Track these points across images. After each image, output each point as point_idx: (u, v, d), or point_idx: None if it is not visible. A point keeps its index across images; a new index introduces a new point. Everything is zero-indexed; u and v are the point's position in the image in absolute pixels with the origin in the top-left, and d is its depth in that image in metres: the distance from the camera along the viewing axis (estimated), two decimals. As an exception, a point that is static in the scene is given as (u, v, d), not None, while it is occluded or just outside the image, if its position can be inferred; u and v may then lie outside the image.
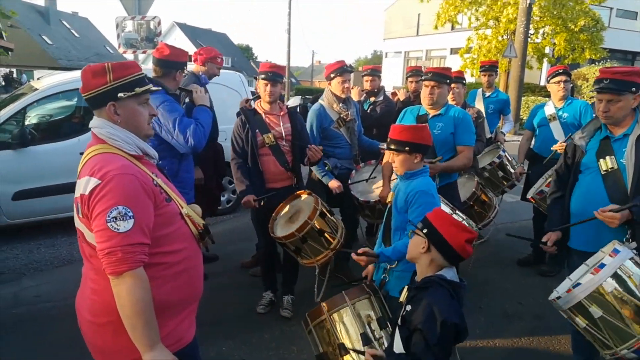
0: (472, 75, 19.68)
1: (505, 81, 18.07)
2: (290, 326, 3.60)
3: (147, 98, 1.85)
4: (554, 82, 4.58)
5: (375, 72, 5.16)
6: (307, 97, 18.25)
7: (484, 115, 5.15)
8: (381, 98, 5.11)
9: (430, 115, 3.63)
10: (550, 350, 3.42)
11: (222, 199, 6.30)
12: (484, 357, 3.37)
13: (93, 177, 1.63)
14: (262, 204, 3.58)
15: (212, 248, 4.70)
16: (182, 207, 1.88)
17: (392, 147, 2.58)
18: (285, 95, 29.98)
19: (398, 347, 1.89)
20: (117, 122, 1.76)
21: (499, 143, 5.23)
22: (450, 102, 4.04)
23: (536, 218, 4.75)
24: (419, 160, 2.58)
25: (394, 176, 3.27)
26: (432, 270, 1.96)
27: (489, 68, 5.71)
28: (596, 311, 2.09)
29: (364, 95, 5.17)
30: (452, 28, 25.10)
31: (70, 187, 1.74)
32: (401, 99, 5.45)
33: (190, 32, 46.58)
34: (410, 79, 5.60)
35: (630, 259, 2.14)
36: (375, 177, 4.05)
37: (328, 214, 3.35)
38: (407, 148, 2.53)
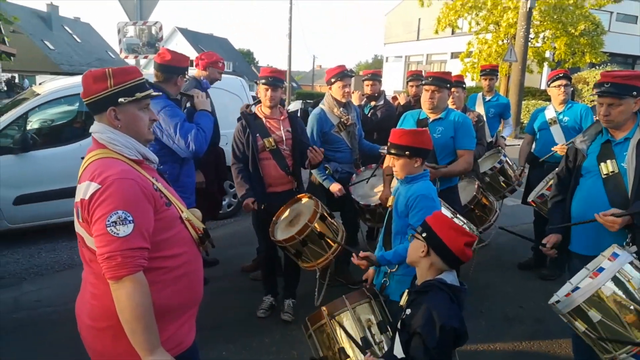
0: (472, 79, 19.72)
1: (505, 85, 18.09)
2: (291, 330, 3.60)
3: (148, 103, 1.85)
4: (555, 86, 4.59)
5: (375, 76, 5.18)
6: (308, 101, 18.28)
7: (485, 119, 5.16)
8: (382, 102, 5.12)
9: (430, 120, 3.64)
10: (550, 354, 3.41)
11: (223, 203, 6.31)
12: (484, 361, 3.36)
13: (93, 182, 1.63)
14: (262, 207, 3.59)
15: (213, 252, 4.72)
16: (182, 212, 1.88)
17: (393, 151, 2.59)
18: (287, 99, 30.03)
19: (398, 351, 1.89)
20: (118, 127, 1.77)
21: (499, 148, 5.24)
22: (451, 106, 4.05)
23: (537, 221, 4.75)
24: (419, 164, 2.58)
25: (394, 181, 3.27)
26: (432, 274, 1.96)
27: (490, 72, 5.72)
28: (595, 315, 2.08)
29: (365, 99, 5.19)
30: (453, 32, 25.20)
31: (71, 192, 1.74)
32: (402, 103, 5.47)
33: (192, 37, 46.70)
34: (410, 83, 5.61)
35: (629, 263, 2.13)
36: (375, 176, 4.06)
37: (328, 217, 3.35)
38: (407, 152, 2.54)
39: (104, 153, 1.74)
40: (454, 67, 20.67)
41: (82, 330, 1.81)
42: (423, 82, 3.67)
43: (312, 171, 4.06)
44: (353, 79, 4.35)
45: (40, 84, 7.13)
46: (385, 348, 2.25)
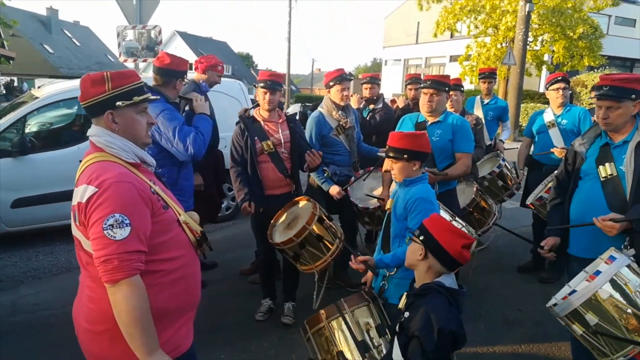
0: (471, 83, 19.75)
1: (504, 88, 18.12)
2: (289, 333, 3.59)
3: (146, 107, 1.86)
4: (553, 89, 4.60)
5: (374, 79, 5.19)
6: (307, 104, 18.30)
7: (483, 122, 5.17)
8: (380, 105, 5.13)
9: (428, 123, 3.65)
10: (550, 357, 3.40)
11: (222, 206, 6.30)
12: (484, 364, 3.36)
13: (90, 185, 1.63)
14: (261, 210, 3.59)
15: (212, 255, 4.69)
16: (179, 215, 1.88)
17: (391, 154, 2.58)
18: (285, 102, 30.07)
19: (397, 354, 1.89)
20: (115, 131, 1.77)
21: (498, 152, 5.24)
22: (449, 109, 4.06)
23: (536, 224, 4.75)
24: (418, 167, 2.58)
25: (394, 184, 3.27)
26: (430, 277, 1.96)
27: (489, 75, 5.74)
28: (592, 319, 2.08)
29: (363, 102, 5.19)
30: (452, 36, 25.20)
31: (69, 195, 1.74)
32: (400, 107, 5.47)
33: (191, 40, 46.79)
34: (409, 87, 5.62)
35: (627, 266, 2.13)
36: (365, 178, 4.08)
37: (327, 220, 3.35)
38: (405, 155, 2.54)
39: (101, 156, 1.74)
40: (453, 71, 20.76)
41: (80, 333, 1.81)
42: (421, 85, 3.68)
43: (311, 174, 4.06)
44: (352, 82, 4.35)
45: (39, 87, 7.13)
46: (384, 351, 2.25)
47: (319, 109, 4.23)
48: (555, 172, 3.07)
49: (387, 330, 2.35)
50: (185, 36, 47.08)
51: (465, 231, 2.88)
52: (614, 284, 2.09)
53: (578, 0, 18.08)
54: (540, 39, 18.77)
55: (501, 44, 18.58)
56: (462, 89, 4.82)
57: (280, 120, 3.71)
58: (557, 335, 3.49)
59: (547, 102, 4.89)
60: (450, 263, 1.93)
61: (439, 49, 30.61)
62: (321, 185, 4.02)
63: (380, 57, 43.19)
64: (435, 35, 20.28)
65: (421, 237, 1.97)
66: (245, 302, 4.07)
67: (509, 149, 6.20)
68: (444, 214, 3.16)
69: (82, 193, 1.65)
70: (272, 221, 3.51)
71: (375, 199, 3.95)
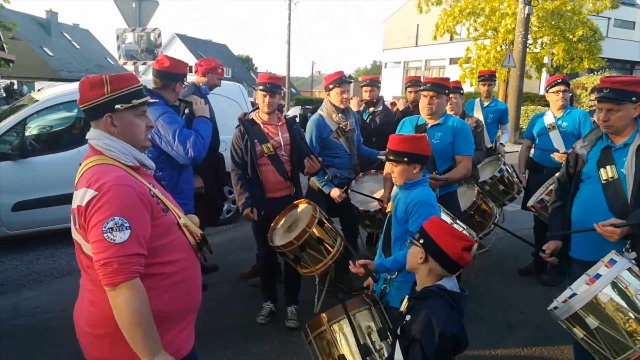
0: (471, 85, 19.78)
1: (504, 91, 18.15)
2: (291, 336, 3.58)
3: (145, 110, 1.86)
4: (553, 92, 4.60)
5: (374, 82, 5.19)
6: (307, 107, 18.32)
7: (483, 124, 5.17)
8: (380, 108, 5.13)
9: (429, 125, 3.64)
10: (552, 360, 3.40)
11: (223, 208, 6.30)
12: (485, 367, 3.35)
13: (90, 189, 1.63)
14: (262, 213, 3.58)
15: (212, 258, 4.69)
16: (179, 218, 1.88)
17: (391, 157, 2.58)
18: (286, 105, 30.11)
19: (398, 357, 1.88)
20: (114, 134, 1.77)
21: (499, 155, 5.23)
22: (449, 112, 4.06)
23: (537, 227, 4.74)
24: (418, 170, 2.58)
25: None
26: (431, 280, 1.95)
27: (488, 78, 5.74)
28: (592, 322, 2.07)
29: (363, 105, 5.20)
30: (451, 38, 25.29)
31: (70, 198, 1.74)
32: (400, 109, 5.48)
33: (191, 43, 46.86)
34: (409, 89, 5.62)
35: (627, 270, 2.12)
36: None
37: (327, 223, 3.35)
38: (405, 159, 2.53)
39: (100, 159, 1.74)
40: (453, 73, 20.79)
41: (81, 336, 1.81)
42: (421, 87, 3.68)
43: (311, 177, 4.06)
44: (352, 84, 4.36)
45: (38, 90, 7.14)
46: (386, 355, 2.24)
47: (319, 111, 4.23)
48: (557, 174, 3.07)
49: (388, 334, 2.34)
50: (185, 39, 47.16)
51: (466, 234, 2.87)
52: (614, 287, 2.08)
53: (577, 3, 18.14)
54: (539, 41, 18.82)
55: (501, 46, 18.62)
56: (461, 91, 4.82)
57: (280, 123, 3.71)
58: (560, 338, 3.48)
59: (547, 105, 4.90)
60: (451, 266, 1.92)
61: (438, 51, 30.66)
62: (322, 188, 4.02)
63: (380, 60, 43.30)
64: (435, 38, 20.33)
65: (421, 241, 1.96)
66: (246, 305, 4.06)
67: (509, 152, 6.19)
68: (445, 217, 3.15)
69: (81, 196, 1.64)
70: (272, 224, 3.50)
71: (376, 202, 3.94)
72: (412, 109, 5.35)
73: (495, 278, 4.73)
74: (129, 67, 7.83)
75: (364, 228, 4.43)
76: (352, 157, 4.26)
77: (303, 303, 3.88)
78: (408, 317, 1.90)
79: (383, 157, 2.81)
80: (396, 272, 2.55)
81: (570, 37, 17.80)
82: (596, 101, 2.60)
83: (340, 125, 4.13)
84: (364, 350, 2.24)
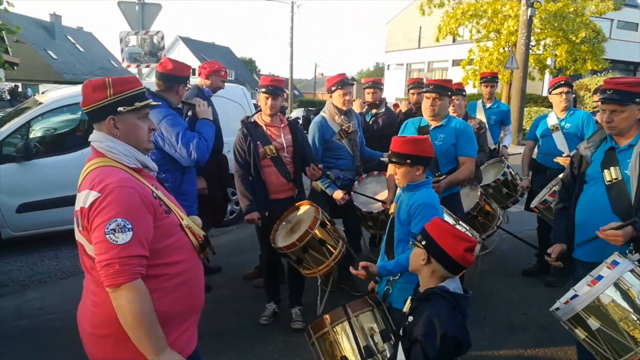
0: (474, 87, 19.75)
1: (507, 92, 18.12)
2: (294, 337, 3.58)
3: (147, 112, 1.87)
4: (556, 94, 4.59)
5: (376, 84, 5.20)
6: (310, 109, 18.35)
7: (486, 126, 5.16)
8: (383, 110, 5.13)
9: (431, 127, 3.65)
10: (555, 362, 3.39)
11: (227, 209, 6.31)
12: (488, 369, 3.34)
13: (93, 191, 1.64)
14: (267, 214, 3.59)
15: (216, 259, 4.70)
16: (182, 219, 1.89)
17: (394, 159, 2.58)
18: (289, 107, 30.16)
19: (400, 358, 1.88)
20: (117, 136, 1.78)
21: (502, 158, 5.22)
22: (452, 114, 4.06)
23: (540, 228, 4.74)
24: (421, 172, 2.57)
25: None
26: (434, 282, 1.95)
27: (491, 79, 5.74)
28: (594, 323, 2.07)
29: (366, 107, 5.20)
30: (454, 40, 25.28)
31: (74, 200, 1.76)
32: (403, 111, 5.48)
33: (194, 46, 46.96)
34: (411, 91, 5.63)
35: (630, 271, 2.11)
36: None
37: (329, 224, 3.35)
38: (408, 161, 2.53)
39: (103, 161, 1.75)
40: (456, 75, 20.75)
41: (84, 337, 1.82)
42: (424, 89, 3.69)
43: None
44: (355, 86, 4.37)
45: (42, 92, 7.17)
46: (388, 356, 2.24)
47: (322, 113, 4.24)
48: (561, 175, 3.06)
49: (391, 335, 2.34)
50: (188, 41, 47.26)
51: (469, 234, 2.87)
52: (616, 288, 2.07)
53: (580, 5, 18.10)
54: (542, 43, 18.78)
55: (503, 48, 18.58)
56: (464, 93, 4.82)
57: (282, 125, 3.73)
58: (563, 339, 3.47)
59: (550, 106, 4.88)
60: (454, 267, 1.92)
61: (441, 53, 30.66)
62: (325, 190, 4.02)
63: (383, 62, 43.30)
64: (438, 40, 20.31)
65: (423, 242, 1.96)
66: (250, 306, 4.07)
67: (513, 154, 6.19)
68: (448, 218, 3.15)
69: (84, 198, 1.66)
70: (275, 225, 3.51)
71: (379, 203, 3.95)
72: (414, 110, 5.35)
73: (498, 279, 4.73)
74: (133, 69, 7.86)
75: (366, 229, 4.43)
76: (355, 159, 4.26)
77: (307, 304, 3.88)
78: (410, 319, 1.90)
79: (386, 159, 2.81)
80: (399, 274, 2.55)
81: (573, 38, 17.76)
82: (600, 102, 2.59)
83: (343, 127, 4.14)
84: (366, 352, 2.24)
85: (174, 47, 45.05)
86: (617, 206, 2.51)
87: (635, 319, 2.02)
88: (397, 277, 2.56)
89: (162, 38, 7.75)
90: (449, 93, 3.64)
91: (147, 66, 7.87)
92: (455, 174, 3.58)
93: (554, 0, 17.52)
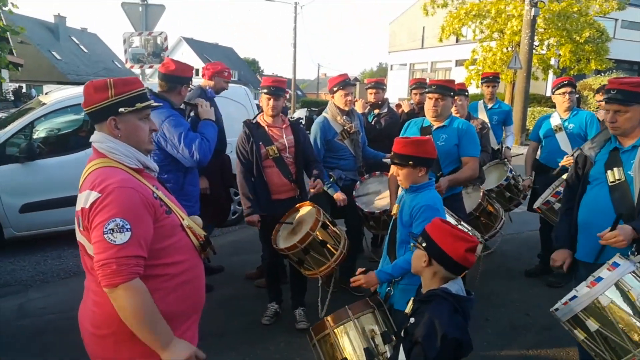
0: (477, 87, 19.71)
1: (510, 92, 18.06)
2: (296, 338, 3.58)
3: (148, 113, 1.87)
4: (559, 94, 4.58)
5: (379, 85, 5.19)
6: (313, 109, 18.35)
7: (489, 126, 5.15)
8: (385, 110, 5.13)
9: (434, 127, 3.64)
10: (558, 363, 3.38)
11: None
12: (490, 370, 3.34)
13: (93, 191, 1.65)
14: (271, 215, 3.60)
15: (218, 259, 4.71)
16: (182, 219, 1.89)
17: (396, 161, 2.57)
18: (292, 107, 30.16)
19: (402, 359, 1.88)
20: (118, 137, 1.78)
21: (505, 160, 5.20)
22: (454, 114, 4.05)
23: (543, 229, 4.72)
24: (424, 173, 2.56)
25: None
26: (436, 283, 1.95)
27: (492, 79, 5.72)
28: (592, 325, 2.06)
29: (368, 107, 5.20)
30: (457, 40, 25.24)
31: (76, 200, 1.76)
32: (405, 111, 5.48)
33: (197, 46, 47.04)
34: (414, 91, 5.62)
35: (631, 273, 2.09)
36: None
37: (330, 225, 3.35)
38: (410, 162, 2.52)
39: (104, 162, 1.76)
40: (459, 75, 20.74)
41: (85, 337, 1.82)
42: (426, 90, 3.68)
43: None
44: (357, 86, 4.37)
45: (46, 93, 7.21)
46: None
47: (324, 114, 4.25)
48: (565, 175, 3.04)
49: (392, 337, 2.33)
50: (192, 42, 47.35)
51: (470, 234, 2.86)
52: (615, 290, 2.06)
53: (584, 5, 18.04)
54: (546, 43, 18.71)
55: (507, 48, 18.54)
56: (466, 93, 4.81)
57: (284, 126, 3.73)
58: (566, 340, 3.45)
59: (554, 106, 4.85)
60: (455, 268, 1.91)
61: (444, 53, 30.60)
62: (327, 190, 4.02)
63: (386, 62, 43.25)
64: (441, 40, 20.29)
65: (424, 244, 1.95)
66: (251, 306, 4.07)
67: (516, 155, 6.17)
68: (450, 219, 3.14)
69: (85, 198, 1.66)
70: (276, 226, 3.51)
71: (381, 203, 3.94)
72: (417, 110, 5.35)
73: (500, 280, 4.72)
74: (136, 70, 7.88)
75: (368, 229, 4.43)
76: (357, 159, 4.26)
77: (309, 304, 3.88)
78: (412, 320, 1.90)
79: (388, 161, 2.80)
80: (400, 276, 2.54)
81: (577, 38, 17.68)
82: (604, 102, 2.58)
83: (345, 128, 4.14)
84: (367, 354, 2.24)
85: (178, 48, 45.14)
86: (619, 207, 2.49)
87: (635, 321, 2.01)
88: (398, 279, 2.56)
89: (166, 39, 7.78)
90: (452, 93, 3.63)
91: (151, 67, 7.89)
92: (458, 173, 3.57)
93: (557, 0, 17.47)
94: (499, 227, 4.41)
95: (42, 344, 3.53)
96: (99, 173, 1.71)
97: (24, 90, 28.02)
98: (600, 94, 4.30)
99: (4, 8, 11.16)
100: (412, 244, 2.18)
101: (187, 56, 39.83)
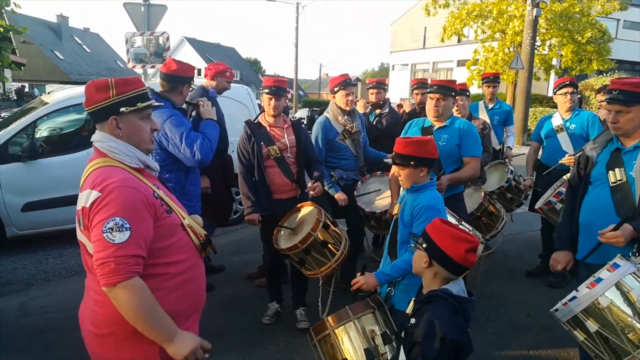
0: (479, 87, 19.68)
1: (512, 92, 18.05)
2: (296, 337, 3.58)
3: (149, 113, 1.88)
4: (561, 94, 4.57)
5: (380, 85, 5.20)
6: (315, 109, 18.36)
7: (490, 126, 5.14)
8: (386, 110, 5.13)
9: (435, 127, 3.64)
10: (558, 363, 3.37)
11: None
12: (491, 370, 3.33)
13: (94, 190, 1.65)
14: (272, 215, 3.60)
15: (219, 259, 4.72)
16: (183, 218, 1.89)
17: (397, 161, 2.57)
18: (293, 107, 30.18)
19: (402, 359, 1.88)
20: (119, 136, 1.79)
21: (506, 160, 5.19)
22: (456, 114, 4.05)
23: (544, 229, 4.71)
24: (425, 173, 2.56)
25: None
26: (437, 284, 1.94)
27: (493, 80, 5.73)
28: (592, 326, 2.06)
29: (370, 107, 5.21)
30: (459, 41, 25.21)
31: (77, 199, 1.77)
32: (407, 111, 5.47)
33: (200, 46, 47.08)
34: (415, 91, 5.62)
35: (631, 274, 2.09)
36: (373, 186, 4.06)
37: (332, 225, 3.35)
38: (411, 162, 2.52)
39: (105, 162, 1.76)
40: (461, 75, 20.71)
41: (86, 336, 1.83)
42: (428, 90, 3.68)
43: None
44: (359, 86, 4.37)
45: (49, 93, 7.22)
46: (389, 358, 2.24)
47: (325, 114, 4.25)
48: (567, 175, 3.03)
49: (392, 338, 2.33)
50: (194, 42, 47.40)
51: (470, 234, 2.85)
52: (615, 292, 2.06)
53: (586, 5, 18.01)
54: (548, 43, 18.69)
55: (509, 48, 18.52)
56: (468, 93, 4.81)
57: (285, 125, 3.73)
58: (566, 341, 3.44)
59: (555, 107, 4.85)
60: (456, 268, 1.91)
61: (446, 53, 30.59)
62: (328, 190, 4.03)
63: (388, 62, 43.23)
64: (443, 40, 20.27)
65: (424, 245, 1.95)
66: (252, 305, 4.07)
67: (517, 155, 6.16)
68: (451, 219, 3.14)
69: (86, 198, 1.67)
70: (277, 225, 3.52)
71: (382, 203, 3.94)
72: (418, 110, 5.34)
73: (501, 280, 4.71)
74: (138, 70, 7.89)
75: (369, 229, 4.43)
76: (358, 159, 4.27)
77: (310, 303, 3.88)
78: (413, 321, 1.90)
79: (389, 161, 2.80)
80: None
81: (579, 38, 17.65)
82: (606, 102, 2.58)
83: (346, 128, 4.14)
84: (367, 354, 2.24)
85: (180, 48, 45.19)
86: (621, 208, 2.48)
87: (635, 322, 2.01)
88: (400, 279, 2.56)
89: (168, 39, 7.79)
90: (453, 93, 3.63)
91: (153, 67, 7.90)
92: (459, 172, 3.57)
93: (559, 1, 17.44)
94: (501, 227, 4.40)
95: (43, 343, 3.54)
96: (100, 172, 1.71)
97: (26, 89, 28.01)
98: (602, 94, 4.31)
99: (6, 8, 11.20)
100: (412, 245, 2.18)
101: (189, 56, 39.88)
